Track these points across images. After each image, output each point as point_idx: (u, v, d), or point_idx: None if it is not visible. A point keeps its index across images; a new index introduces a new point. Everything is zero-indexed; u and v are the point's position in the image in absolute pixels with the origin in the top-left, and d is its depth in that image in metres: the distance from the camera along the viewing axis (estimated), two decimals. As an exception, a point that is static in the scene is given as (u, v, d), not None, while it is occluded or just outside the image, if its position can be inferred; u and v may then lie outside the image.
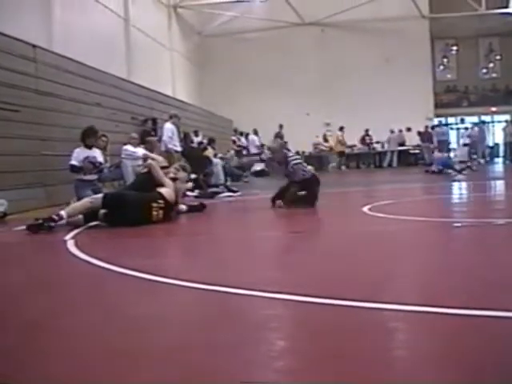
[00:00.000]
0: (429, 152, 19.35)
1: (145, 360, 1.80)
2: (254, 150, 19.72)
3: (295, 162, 7.07)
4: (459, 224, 4.97)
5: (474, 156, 19.38)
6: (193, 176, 9.80)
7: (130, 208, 5.42)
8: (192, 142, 13.86)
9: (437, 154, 15.55)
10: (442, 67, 27.22)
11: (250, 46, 23.80)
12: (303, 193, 6.84)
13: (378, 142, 22.69)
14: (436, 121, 24.34)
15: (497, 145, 23.79)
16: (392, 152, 22.24)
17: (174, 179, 6.10)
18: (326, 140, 22.42)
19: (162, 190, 5.75)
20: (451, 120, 25.12)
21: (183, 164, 7.03)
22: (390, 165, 22.07)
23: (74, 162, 7.42)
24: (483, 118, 25.33)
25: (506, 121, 22.75)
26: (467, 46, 26.76)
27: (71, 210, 5.50)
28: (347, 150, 22.46)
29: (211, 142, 13.56)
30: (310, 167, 7.23)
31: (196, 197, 9.22)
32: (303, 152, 20.63)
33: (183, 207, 6.59)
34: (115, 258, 3.72)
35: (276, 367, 1.73)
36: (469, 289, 2.57)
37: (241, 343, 1.94)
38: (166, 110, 13.34)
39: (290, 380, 1.66)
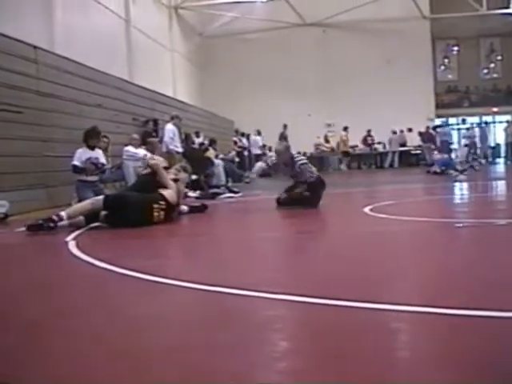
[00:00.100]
0: (430, 152, 19.35)
1: (146, 360, 1.80)
2: (256, 151, 19.75)
3: (302, 162, 7.08)
4: (460, 224, 4.97)
5: (475, 156, 19.36)
6: (194, 177, 9.83)
7: (132, 209, 5.42)
8: (193, 142, 13.88)
9: (436, 155, 15.54)
10: (443, 67, 27.21)
11: (251, 46, 23.81)
12: (308, 193, 6.82)
13: (379, 143, 22.70)
14: (439, 121, 24.35)
15: (498, 145, 23.76)
16: (393, 153, 22.25)
17: (175, 180, 6.10)
18: (327, 141, 22.45)
19: (164, 192, 5.75)
20: (452, 120, 25.09)
21: (184, 165, 7.04)
22: (391, 165, 22.08)
23: (76, 163, 7.43)
24: (484, 118, 25.32)
25: (508, 121, 22.74)
26: (468, 47, 26.75)
27: (71, 211, 5.50)
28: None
29: (212, 142, 13.56)
30: (314, 168, 7.23)
31: (197, 198, 9.23)
32: (304, 153, 20.61)
33: (184, 208, 6.59)
34: (116, 258, 3.72)
35: (278, 368, 1.73)
36: (469, 289, 2.57)
37: (242, 344, 1.94)
38: (167, 110, 13.36)
39: (292, 380, 1.66)
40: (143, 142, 9.89)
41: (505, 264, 3.13)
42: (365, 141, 22.41)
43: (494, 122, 25.07)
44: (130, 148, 9.59)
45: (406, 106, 22.31)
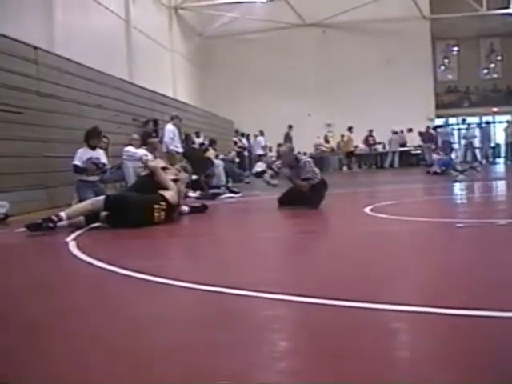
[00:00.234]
0: (430, 153, 19.38)
1: (146, 360, 1.81)
2: (259, 151, 19.79)
3: (306, 159, 7.13)
4: (461, 224, 4.97)
5: (475, 157, 19.40)
6: (194, 177, 9.83)
7: (132, 210, 5.43)
8: (193, 143, 13.88)
9: (436, 156, 15.55)
10: (443, 68, 27.22)
11: (250, 47, 23.82)
12: (310, 193, 6.80)
13: (379, 143, 22.71)
14: (441, 121, 24.38)
15: (498, 145, 23.77)
16: (393, 153, 22.25)
17: (175, 180, 6.11)
18: (327, 141, 22.45)
19: (165, 193, 5.75)
20: (452, 120, 25.10)
21: (185, 165, 7.04)
22: (391, 165, 22.08)
23: (77, 163, 7.42)
24: (485, 118, 25.32)
25: (508, 121, 22.74)
26: (468, 47, 26.76)
27: (71, 211, 5.50)
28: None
29: (212, 143, 13.57)
30: (317, 170, 7.24)
31: (197, 198, 9.23)
32: (304, 153, 20.60)
33: (185, 208, 6.60)
34: (117, 259, 3.72)
35: (277, 368, 1.73)
36: (469, 289, 2.58)
37: (241, 344, 1.94)
38: (167, 111, 13.36)
39: (292, 380, 1.66)
40: (143, 143, 9.90)
41: (505, 264, 3.13)
42: (366, 141, 22.39)
43: (494, 122, 25.06)
44: (130, 148, 9.59)
45: (405, 106, 22.32)
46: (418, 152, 22.06)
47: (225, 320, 2.24)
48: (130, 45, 16.42)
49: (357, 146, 22.72)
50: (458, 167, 13.78)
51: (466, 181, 11.06)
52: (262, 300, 2.51)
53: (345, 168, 21.72)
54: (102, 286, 3.07)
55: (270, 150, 20.66)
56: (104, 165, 7.67)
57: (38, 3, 11.56)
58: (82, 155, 7.44)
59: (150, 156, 8.94)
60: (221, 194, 9.85)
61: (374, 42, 23.31)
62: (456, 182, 10.94)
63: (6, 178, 7.51)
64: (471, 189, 10.02)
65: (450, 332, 1.99)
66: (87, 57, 11.02)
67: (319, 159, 20.26)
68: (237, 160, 16.69)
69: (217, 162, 12.28)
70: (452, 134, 21.12)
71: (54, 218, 5.23)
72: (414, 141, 22.43)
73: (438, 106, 25.08)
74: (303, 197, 6.72)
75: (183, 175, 6.50)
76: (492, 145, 22.67)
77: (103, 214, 5.50)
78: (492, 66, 27.00)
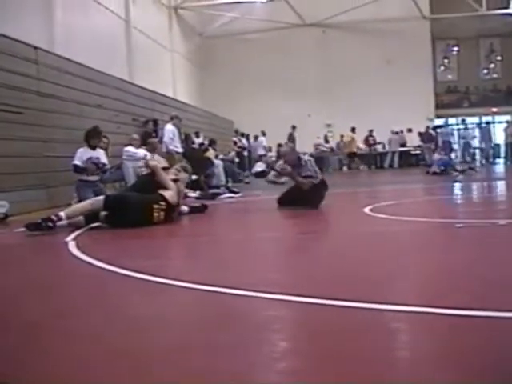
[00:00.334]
0: (429, 153, 19.38)
1: (145, 361, 1.81)
2: (261, 151, 19.81)
3: (308, 158, 7.14)
4: (461, 225, 4.97)
5: (474, 157, 19.43)
6: (194, 177, 9.83)
7: (132, 209, 5.43)
8: (193, 143, 13.89)
9: (436, 156, 15.55)
10: (442, 68, 27.21)
11: (250, 47, 23.81)
12: (311, 192, 6.80)
13: (379, 143, 22.70)
14: (441, 121, 24.38)
15: (498, 145, 23.77)
16: (393, 153, 22.25)
17: (175, 180, 6.11)
18: (326, 141, 22.46)
19: (165, 193, 5.75)
20: (452, 121, 25.10)
21: (184, 165, 7.04)
22: (390, 166, 22.08)
23: (77, 162, 7.42)
24: (484, 118, 25.32)
25: (507, 121, 22.74)
26: (468, 47, 26.75)
27: (71, 211, 5.51)
28: (345, 151, 22.49)
29: (212, 143, 13.57)
30: (319, 170, 7.24)
31: (197, 198, 9.23)
32: (304, 153, 20.61)
33: (185, 208, 6.59)
34: (116, 259, 3.72)
35: (277, 368, 1.73)
36: (469, 289, 2.57)
37: (241, 344, 1.94)
38: (167, 111, 13.36)
39: (291, 381, 1.66)
40: (143, 143, 9.90)
41: (505, 264, 3.13)
42: (367, 141, 22.38)
43: (494, 123, 25.06)
44: (130, 148, 9.60)
45: (405, 106, 22.32)
46: (418, 152, 22.06)
47: (224, 320, 2.24)
48: (129, 45, 16.42)
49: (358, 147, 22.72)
50: (458, 167, 13.80)
51: (466, 181, 11.06)
52: (262, 300, 2.51)
53: (345, 168, 21.71)
54: (101, 285, 3.07)
55: (270, 150, 20.67)
56: (104, 165, 7.67)
57: (38, 3, 11.56)
58: (82, 155, 7.44)
59: (149, 156, 8.94)
60: (220, 193, 9.84)
61: (374, 42, 23.31)
62: (456, 182, 10.94)
63: (6, 178, 7.51)
64: (471, 189, 10.02)
65: (449, 332, 1.99)
66: (87, 57, 11.02)
67: (319, 159, 20.30)
68: (236, 160, 16.69)
69: (216, 161, 12.28)
70: (452, 135, 21.13)
71: (53, 217, 5.23)
72: (413, 141, 22.43)
73: (437, 106, 25.07)
74: (303, 197, 6.71)
75: (183, 175, 6.50)
76: (497, 143, 22.60)
77: (103, 213, 5.50)
78: (492, 66, 26.99)
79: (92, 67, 10.60)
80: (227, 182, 12.48)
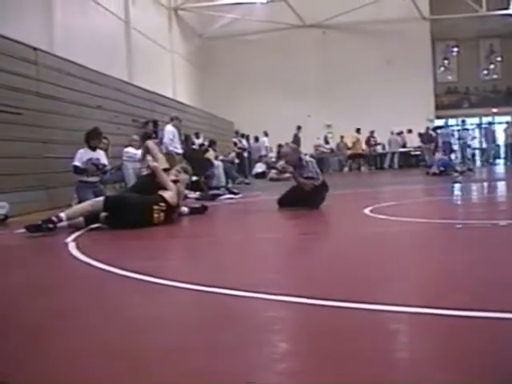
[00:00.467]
0: (429, 154, 19.38)
1: (144, 361, 1.80)
2: (263, 152, 19.83)
3: (309, 159, 7.15)
4: (460, 225, 4.97)
5: (468, 158, 19.44)
6: (194, 178, 9.82)
7: (132, 210, 5.43)
8: (193, 144, 13.88)
9: (438, 155, 15.54)
10: (442, 68, 27.21)
11: (250, 48, 23.82)
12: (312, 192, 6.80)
13: (378, 144, 22.70)
14: (441, 122, 24.38)
15: (498, 146, 23.77)
16: (393, 154, 22.24)
17: (175, 181, 6.11)
18: (326, 142, 22.47)
19: (164, 193, 5.75)
20: (452, 121, 25.11)
21: (185, 166, 7.04)
22: (390, 166, 22.08)
23: (77, 163, 7.42)
24: (484, 119, 25.33)
25: (507, 122, 22.74)
26: (468, 48, 26.76)
27: (71, 212, 5.51)
28: (348, 152, 22.49)
29: (212, 144, 13.57)
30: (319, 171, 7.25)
31: (197, 199, 9.23)
32: (305, 154, 20.61)
33: (185, 209, 6.59)
34: (116, 260, 3.72)
35: (277, 369, 1.73)
36: (469, 290, 2.57)
37: (241, 345, 1.94)
38: (167, 112, 13.36)
39: (291, 382, 1.66)
40: (143, 144, 9.89)
41: (505, 265, 3.13)
42: (368, 142, 22.37)
43: (494, 123, 25.07)
44: (130, 149, 9.60)
45: (405, 107, 22.32)
46: (418, 153, 22.06)
47: (224, 321, 2.24)
48: (129, 46, 16.43)
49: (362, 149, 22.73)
50: (458, 168, 13.80)
51: (466, 182, 11.06)
52: (262, 301, 2.51)
53: (346, 169, 21.70)
54: (101, 286, 3.07)
55: (271, 151, 20.68)
56: (104, 166, 7.67)
57: (38, 4, 11.56)
58: (82, 156, 7.44)
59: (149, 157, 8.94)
60: (220, 194, 9.84)
61: (374, 42, 23.32)
62: (455, 182, 10.94)
63: (6, 179, 7.50)
64: (471, 190, 10.02)
65: (449, 333, 1.99)
66: (87, 58, 11.03)
67: (319, 160, 20.28)
68: (236, 161, 16.69)
69: (216, 162, 12.28)
70: (452, 135, 21.13)
71: (54, 218, 5.23)
72: (413, 142, 22.43)
73: (437, 107, 25.08)
74: (304, 198, 6.70)
75: (183, 176, 6.50)
76: (497, 144, 22.56)
77: (103, 214, 5.50)
78: (492, 66, 27.00)
79: (92, 68, 10.60)
80: (227, 183, 12.48)
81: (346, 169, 21.62)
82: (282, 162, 7.45)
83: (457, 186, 10.43)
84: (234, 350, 1.89)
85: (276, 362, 1.78)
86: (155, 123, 13.11)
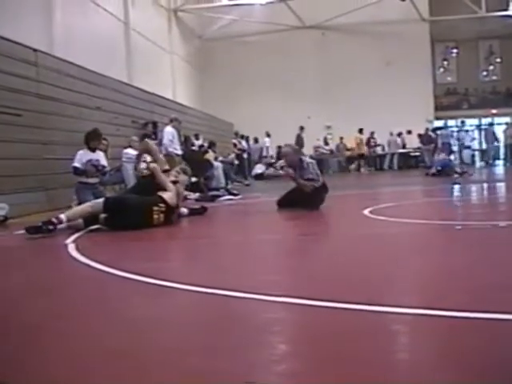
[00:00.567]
0: (429, 155, 19.38)
1: (145, 363, 1.80)
2: (264, 153, 19.87)
3: (310, 161, 7.15)
4: (460, 227, 4.97)
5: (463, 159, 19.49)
6: (194, 179, 9.82)
7: (131, 212, 5.43)
8: (193, 145, 13.88)
9: (441, 156, 15.52)
10: (442, 70, 27.23)
11: (250, 49, 23.82)
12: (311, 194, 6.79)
13: (379, 145, 22.70)
14: (440, 123, 24.38)
15: (497, 147, 23.76)
16: (392, 155, 22.25)
17: (174, 182, 6.11)
18: (326, 143, 22.48)
19: (164, 195, 5.76)
20: (451, 122, 25.13)
21: (184, 167, 7.05)
22: (389, 167, 22.08)
23: (76, 165, 7.42)
24: (484, 120, 25.33)
25: (507, 123, 22.74)
26: (467, 49, 26.77)
27: (71, 214, 5.50)
28: (348, 153, 22.50)
29: (212, 145, 13.57)
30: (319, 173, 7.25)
31: (197, 200, 9.23)
32: (305, 155, 20.62)
33: (184, 210, 6.59)
34: (116, 261, 3.72)
35: (277, 370, 1.73)
36: (469, 291, 2.57)
37: (240, 346, 1.94)
38: (167, 113, 13.36)
39: (292, 383, 1.66)
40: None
41: (505, 266, 3.13)
42: (368, 143, 22.36)
43: (493, 124, 25.08)
44: (130, 150, 9.60)
45: (405, 108, 22.32)
46: (417, 154, 22.06)
47: (224, 322, 2.24)
48: (129, 47, 16.43)
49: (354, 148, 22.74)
50: (457, 169, 13.81)
51: (465, 183, 11.07)
52: (262, 302, 2.51)
53: (353, 168, 21.62)
54: (101, 288, 3.07)
55: (272, 157, 20.72)
56: (103, 167, 7.67)
57: (38, 5, 11.57)
58: (82, 157, 7.44)
59: (148, 158, 8.94)
60: (220, 196, 9.84)
61: (374, 44, 23.32)
62: (455, 183, 10.94)
63: (6, 181, 7.50)
64: (470, 191, 10.03)
65: (449, 333, 1.99)
66: (86, 59, 11.02)
67: (318, 161, 20.28)
68: (236, 162, 16.69)
69: (216, 164, 12.28)
70: (452, 136, 21.15)
71: (54, 220, 5.23)
72: (413, 143, 22.44)
73: (437, 108, 25.08)
74: (303, 199, 6.70)
75: (183, 177, 6.50)
76: (496, 145, 22.57)
77: (102, 216, 5.49)
78: (491, 68, 27.02)
79: (91, 69, 10.61)
80: (227, 184, 12.48)
81: (362, 169, 21.52)
82: (280, 162, 7.45)
83: (456, 187, 10.43)
84: (233, 350, 1.89)
85: (276, 363, 1.78)
86: (154, 124, 13.13)
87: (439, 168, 13.81)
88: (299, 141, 18.73)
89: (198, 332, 2.14)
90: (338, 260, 3.64)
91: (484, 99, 25.98)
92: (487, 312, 2.14)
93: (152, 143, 6.97)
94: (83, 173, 7.41)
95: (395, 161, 22.22)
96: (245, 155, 18.73)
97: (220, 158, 14.21)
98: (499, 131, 22.87)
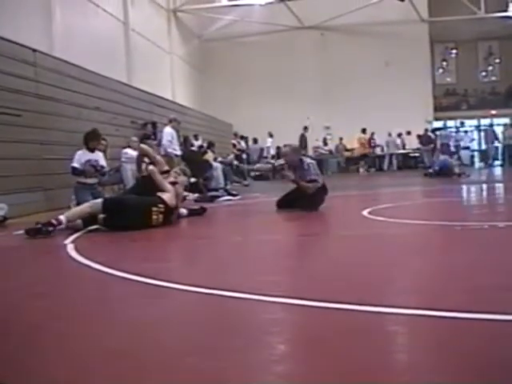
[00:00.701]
0: (428, 155, 19.39)
1: (145, 363, 1.80)
2: (265, 153, 19.91)
3: (310, 161, 7.12)
4: (459, 227, 4.97)
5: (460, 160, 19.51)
6: (193, 180, 9.82)
7: (130, 212, 5.42)
8: (192, 145, 13.88)
9: (442, 157, 15.51)
10: (441, 70, 27.26)
11: (249, 49, 23.82)
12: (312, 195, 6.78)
13: (378, 146, 22.70)
14: (440, 124, 24.40)
15: (497, 148, 23.77)
16: (391, 155, 22.25)
17: (173, 183, 6.11)
18: (325, 143, 22.48)
19: (163, 195, 5.75)
20: (450, 123, 25.14)
21: (183, 168, 7.05)
22: (389, 168, 22.09)
23: (75, 165, 7.41)
24: (483, 121, 25.35)
25: (506, 124, 22.76)
26: (466, 50, 26.81)
27: (70, 214, 5.50)
28: (347, 154, 22.50)
29: (211, 145, 13.57)
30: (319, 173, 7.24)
31: (196, 201, 9.22)
32: (304, 155, 20.62)
33: (183, 211, 6.59)
34: (115, 261, 3.72)
35: (276, 371, 1.73)
36: (469, 291, 2.57)
37: (241, 346, 1.94)
38: (166, 113, 13.35)
39: (291, 383, 1.66)
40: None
41: (505, 266, 3.13)
42: (369, 143, 22.34)
43: (492, 125, 25.09)
44: (129, 150, 9.59)
45: (404, 108, 22.31)
46: (417, 155, 22.07)
47: (224, 323, 2.24)
48: (128, 47, 16.42)
49: (353, 149, 22.71)
50: (457, 170, 13.81)
51: (465, 183, 11.07)
52: (262, 303, 2.51)
53: (361, 170, 21.60)
54: (100, 288, 3.07)
55: (272, 157, 20.75)
56: (102, 167, 7.66)
57: (37, 6, 11.56)
58: (81, 157, 7.43)
59: (147, 160, 8.94)
60: (219, 196, 9.84)
61: (373, 44, 23.32)
62: (454, 184, 10.95)
63: (5, 181, 7.50)
64: (470, 191, 10.03)
65: (449, 334, 1.99)
66: (86, 59, 11.02)
67: (318, 162, 20.26)
68: (235, 163, 16.68)
69: (215, 164, 12.28)
70: (452, 137, 21.16)
71: (53, 221, 5.22)
72: (412, 143, 22.45)
73: (436, 109, 25.09)
74: (303, 200, 6.69)
75: (182, 178, 6.50)
76: (496, 145, 22.57)
77: (101, 216, 5.49)
78: (490, 68, 27.05)
79: (91, 70, 10.60)
80: (226, 184, 12.48)
81: (362, 170, 21.50)
82: (280, 161, 7.45)
83: (455, 187, 10.44)
84: (233, 351, 1.89)
85: (275, 364, 1.78)
86: (154, 125, 13.12)
87: (436, 168, 13.83)
88: (303, 140, 18.71)
89: (197, 332, 2.14)
90: (338, 260, 3.64)
91: (483, 100, 26.01)
92: (487, 312, 2.14)
93: (147, 147, 6.96)
94: (82, 173, 7.40)
95: (394, 161, 22.22)
96: (244, 156, 18.75)
97: (219, 159, 14.21)
98: (498, 132, 22.88)
